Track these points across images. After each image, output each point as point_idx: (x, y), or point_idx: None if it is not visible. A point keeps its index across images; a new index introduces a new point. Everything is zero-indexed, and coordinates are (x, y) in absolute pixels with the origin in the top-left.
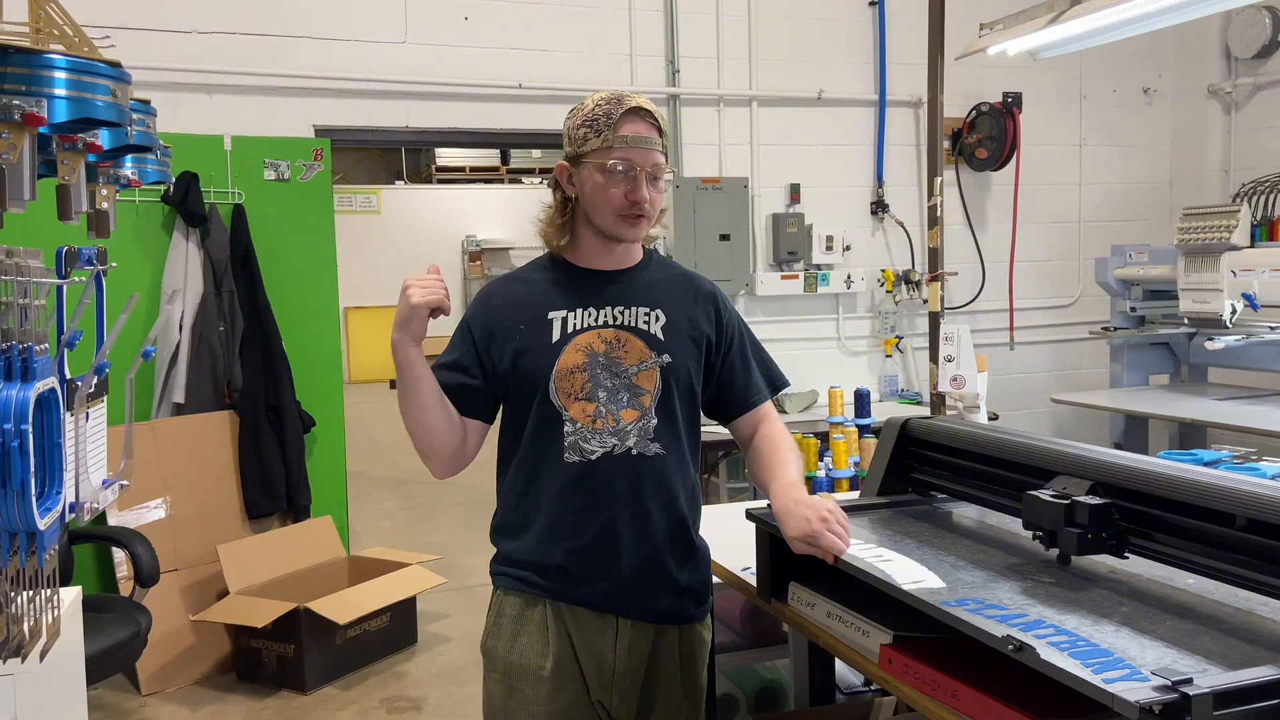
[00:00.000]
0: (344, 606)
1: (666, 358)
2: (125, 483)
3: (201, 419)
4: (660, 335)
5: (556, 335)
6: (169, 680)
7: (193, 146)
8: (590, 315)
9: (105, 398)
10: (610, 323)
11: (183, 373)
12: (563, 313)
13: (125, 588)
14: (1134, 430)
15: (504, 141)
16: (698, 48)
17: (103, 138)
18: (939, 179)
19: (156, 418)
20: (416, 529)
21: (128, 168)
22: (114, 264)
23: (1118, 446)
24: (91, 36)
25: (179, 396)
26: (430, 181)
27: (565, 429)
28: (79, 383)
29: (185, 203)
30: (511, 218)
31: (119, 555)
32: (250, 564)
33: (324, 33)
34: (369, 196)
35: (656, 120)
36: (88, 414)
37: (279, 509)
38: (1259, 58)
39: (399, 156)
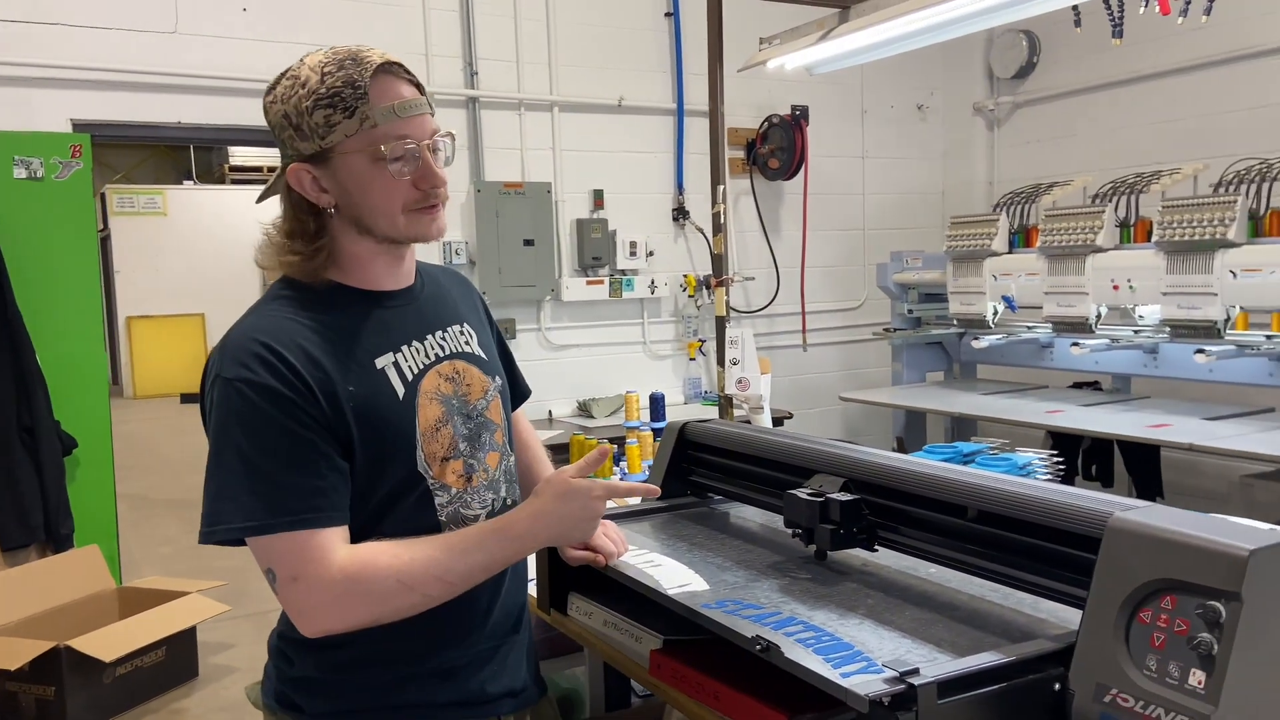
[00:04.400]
0: (111, 642)
1: (499, 379)
2: None
3: None
4: (483, 354)
5: (400, 387)
6: None
7: None
8: (418, 352)
9: None
10: (440, 354)
11: None
12: (389, 356)
13: None
14: (913, 424)
15: None
16: (496, 50)
17: None
18: (721, 187)
19: None
20: (203, 554)
21: None
22: None
23: (899, 440)
24: None
25: None
26: (223, 182)
27: (438, 500)
28: None
29: None
30: None
31: None
32: (4, 600)
33: (83, 20)
34: (153, 197)
35: (412, 74)
36: None
37: (36, 539)
38: (1018, 78)
39: (188, 155)
